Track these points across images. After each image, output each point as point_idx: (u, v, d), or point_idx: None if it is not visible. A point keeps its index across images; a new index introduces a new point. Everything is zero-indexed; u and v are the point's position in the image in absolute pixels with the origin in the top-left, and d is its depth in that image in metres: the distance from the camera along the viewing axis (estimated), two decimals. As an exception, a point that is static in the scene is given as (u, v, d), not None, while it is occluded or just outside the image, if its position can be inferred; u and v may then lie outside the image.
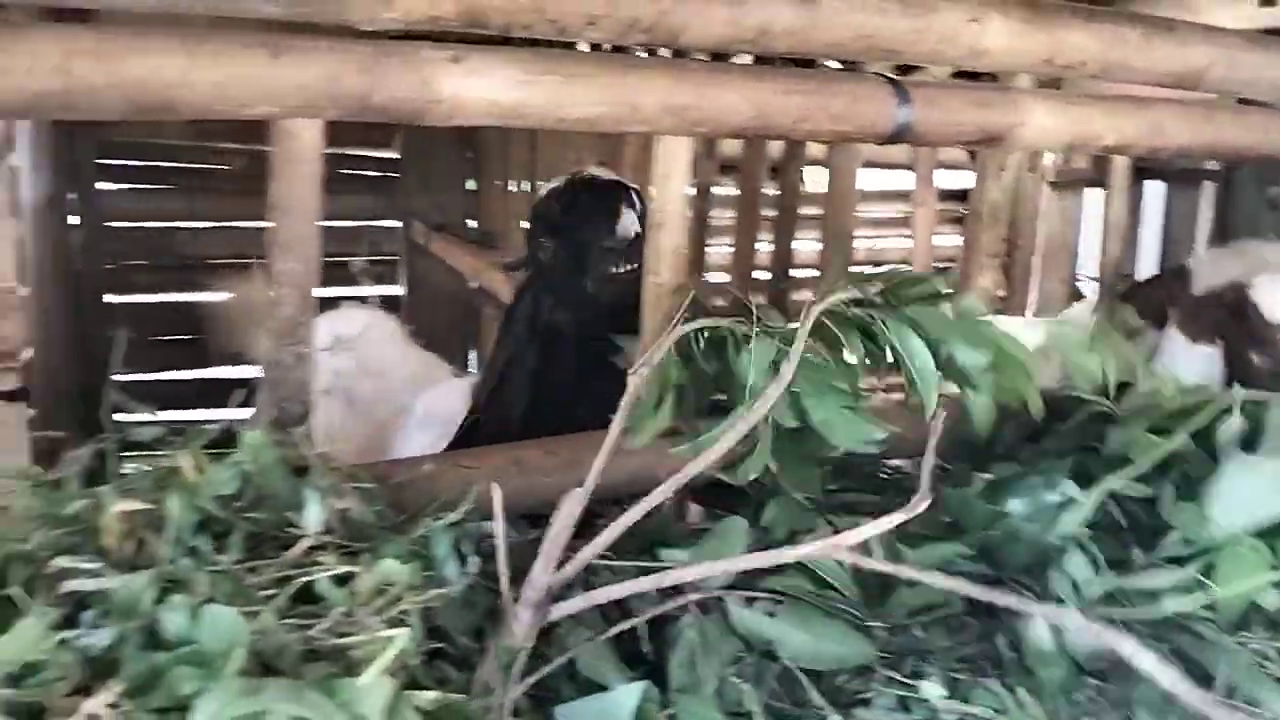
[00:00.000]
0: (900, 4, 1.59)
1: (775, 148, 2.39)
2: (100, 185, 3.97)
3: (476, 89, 1.37)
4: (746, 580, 1.23)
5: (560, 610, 1.13)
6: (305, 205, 1.38)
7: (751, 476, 1.27)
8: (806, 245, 2.93)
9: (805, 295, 2.87)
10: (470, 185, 4.75)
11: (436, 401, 2.22)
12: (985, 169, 3.86)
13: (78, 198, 3.87)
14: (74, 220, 3.84)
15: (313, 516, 1.19)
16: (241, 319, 3.03)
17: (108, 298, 4.07)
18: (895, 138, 1.71)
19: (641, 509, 1.17)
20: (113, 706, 0.83)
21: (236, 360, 2.99)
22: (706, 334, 1.33)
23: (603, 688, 1.11)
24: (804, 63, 2.05)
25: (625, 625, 1.18)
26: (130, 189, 4.15)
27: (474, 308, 4.55)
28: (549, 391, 1.90)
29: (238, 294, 3.10)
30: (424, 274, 4.58)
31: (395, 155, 4.69)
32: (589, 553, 1.15)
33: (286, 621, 0.99)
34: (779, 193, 2.43)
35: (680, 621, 1.20)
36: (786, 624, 1.17)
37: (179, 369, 4.20)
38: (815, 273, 2.60)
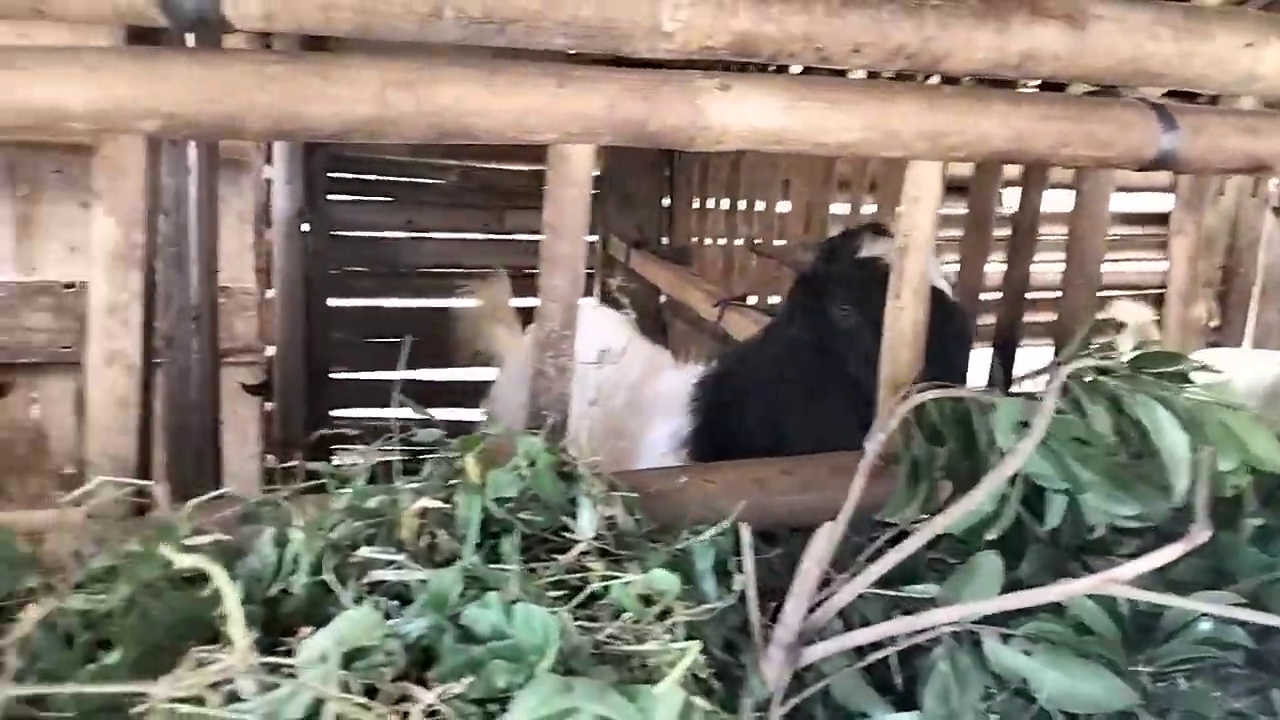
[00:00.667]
0: (1173, 29, 1.53)
1: (1009, 168, 2.33)
2: (329, 198, 4.30)
3: (742, 115, 1.40)
4: (997, 619, 1.20)
5: (815, 654, 1.11)
6: (575, 225, 1.45)
7: (996, 534, 1.24)
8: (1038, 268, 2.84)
9: (1038, 317, 2.77)
10: (665, 203, 4.84)
11: (668, 389, 2.29)
12: (1197, 193, 3.63)
13: (309, 209, 4.19)
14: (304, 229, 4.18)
15: (586, 522, 1.25)
16: (480, 322, 3.19)
17: (331, 301, 4.39)
18: (1157, 164, 1.64)
19: (896, 557, 1.17)
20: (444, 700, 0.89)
21: (476, 362, 3.15)
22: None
23: (855, 714, 1.11)
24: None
25: (878, 655, 1.17)
26: (354, 201, 4.46)
27: (663, 321, 4.64)
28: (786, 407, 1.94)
29: (478, 298, 3.26)
30: (618, 286, 4.70)
31: (596, 173, 4.85)
32: (842, 598, 1.15)
33: (579, 623, 1.04)
34: (1013, 213, 2.35)
35: (932, 653, 1.18)
36: (1042, 662, 1.13)
37: (394, 369, 4.47)
38: (1047, 294, 2.50)
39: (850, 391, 1.91)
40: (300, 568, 1.01)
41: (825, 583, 1.12)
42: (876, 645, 1.21)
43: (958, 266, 2.62)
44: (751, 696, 1.10)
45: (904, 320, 1.63)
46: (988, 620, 1.11)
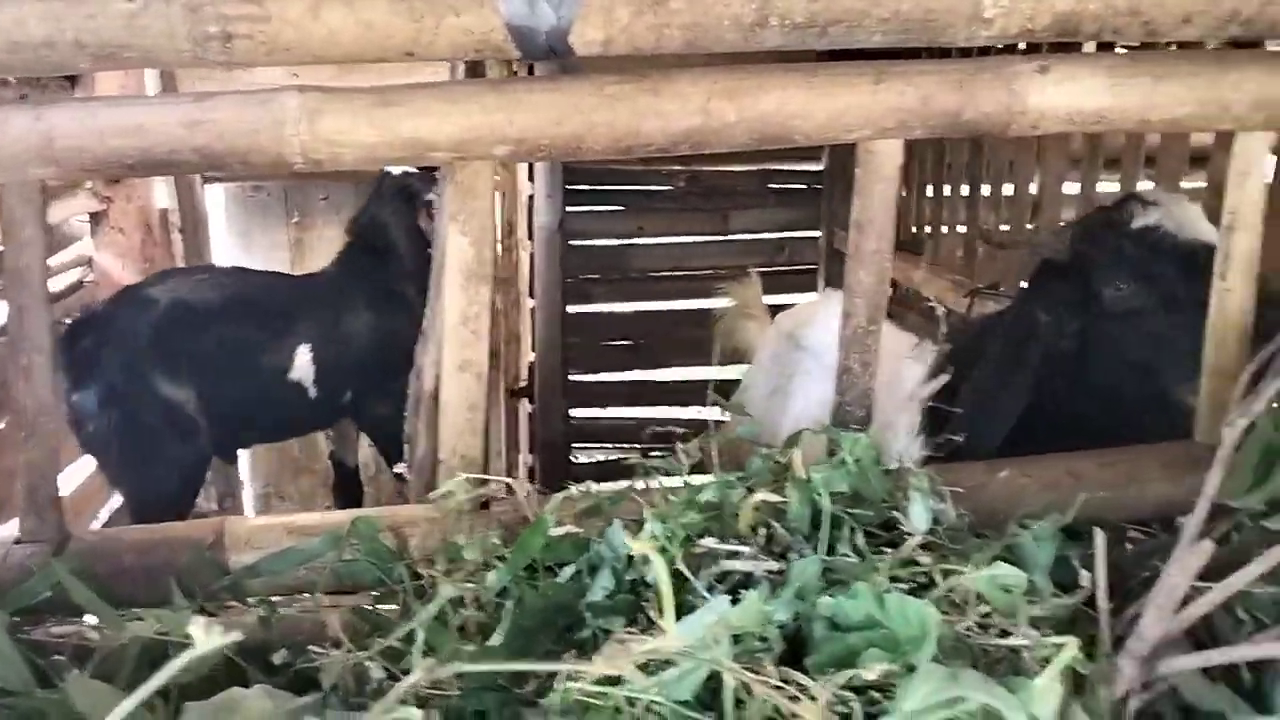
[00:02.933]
0: None
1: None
2: (568, 209, 4.49)
3: (1062, 97, 1.37)
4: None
5: (1171, 667, 1.05)
6: (883, 220, 1.46)
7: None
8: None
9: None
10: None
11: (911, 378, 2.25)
12: None
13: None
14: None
15: (919, 516, 1.26)
16: (735, 321, 3.26)
17: (569, 308, 4.59)
18: None
19: (1260, 567, 1.10)
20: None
21: (731, 360, 3.21)
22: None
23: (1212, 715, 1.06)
24: None
25: (1224, 660, 1.09)
26: (588, 211, 4.64)
27: (889, 314, 4.54)
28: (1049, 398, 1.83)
29: (732, 297, 3.32)
30: (840, 280, 4.66)
31: (819, 168, 4.82)
32: (1198, 610, 1.09)
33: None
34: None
35: None
36: None
37: (630, 370, 4.64)
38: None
39: (1128, 379, 1.76)
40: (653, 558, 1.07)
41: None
42: (1214, 639, 1.15)
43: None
44: (1104, 700, 1.06)
45: (1232, 304, 1.53)
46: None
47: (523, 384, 3.67)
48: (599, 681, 0.90)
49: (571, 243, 4.52)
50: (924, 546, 1.25)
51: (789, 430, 2.56)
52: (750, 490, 1.27)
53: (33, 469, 1.45)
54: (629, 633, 0.93)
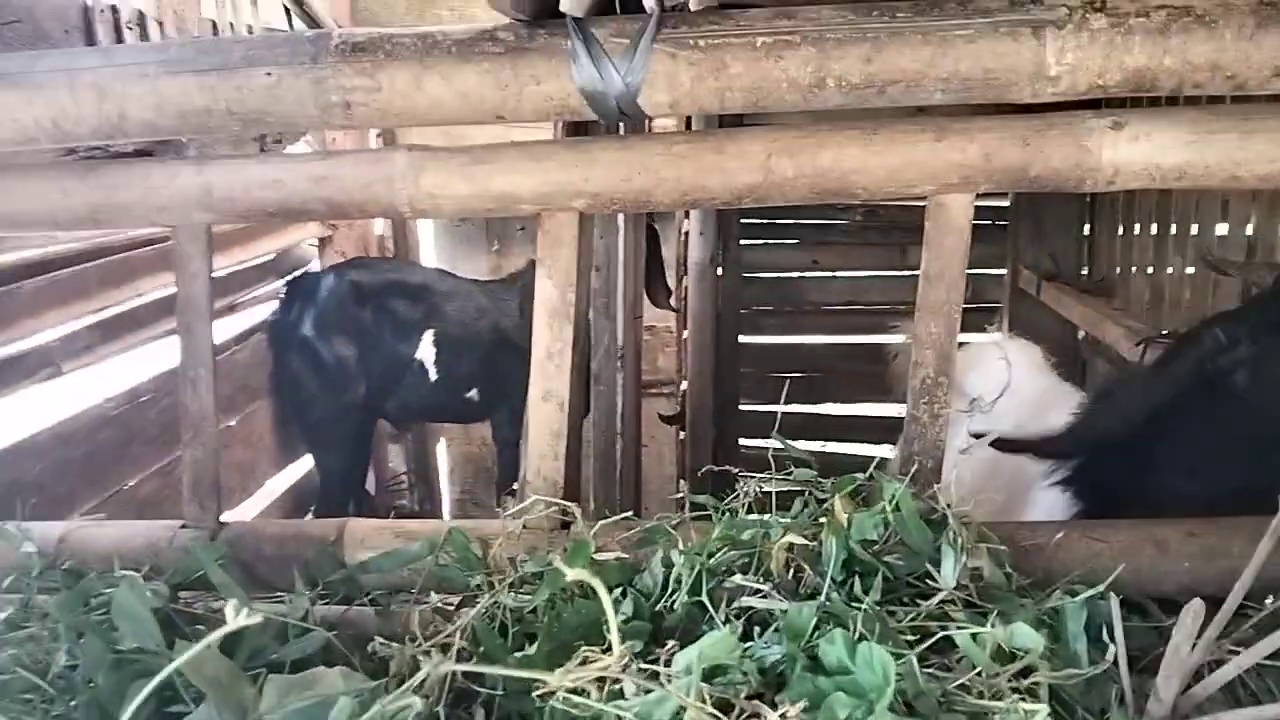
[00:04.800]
0: None
1: None
2: (743, 242, 4.60)
3: (1138, 153, 1.34)
4: None
5: None
6: (953, 272, 1.47)
7: None
8: None
9: None
10: (1085, 231, 4.51)
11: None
12: None
13: (723, 253, 4.52)
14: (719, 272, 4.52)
15: (948, 571, 1.26)
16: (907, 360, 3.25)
17: (741, 338, 4.68)
18: None
19: None
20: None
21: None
22: None
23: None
24: None
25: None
26: (763, 244, 4.72)
27: (1080, 358, 4.30)
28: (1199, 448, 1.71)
29: (911, 334, 3.30)
30: (1028, 322, 4.45)
31: (1004, 204, 4.65)
32: (1226, 674, 1.04)
33: (925, 670, 1.07)
34: None
35: None
36: None
37: (803, 403, 4.66)
38: None
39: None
40: (681, 588, 1.15)
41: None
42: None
43: None
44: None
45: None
46: None
47: (671, 413, 3.80)
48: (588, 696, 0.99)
49: (746, 275, 4.61)
50: (968, 604, 1.26)
51: (949, 481, 2.54)
52: (786, 531, 1.32)
53: (197, 465, 1.71)
54: (591, 652, 1.01)
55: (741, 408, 4.69)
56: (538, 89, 1.39)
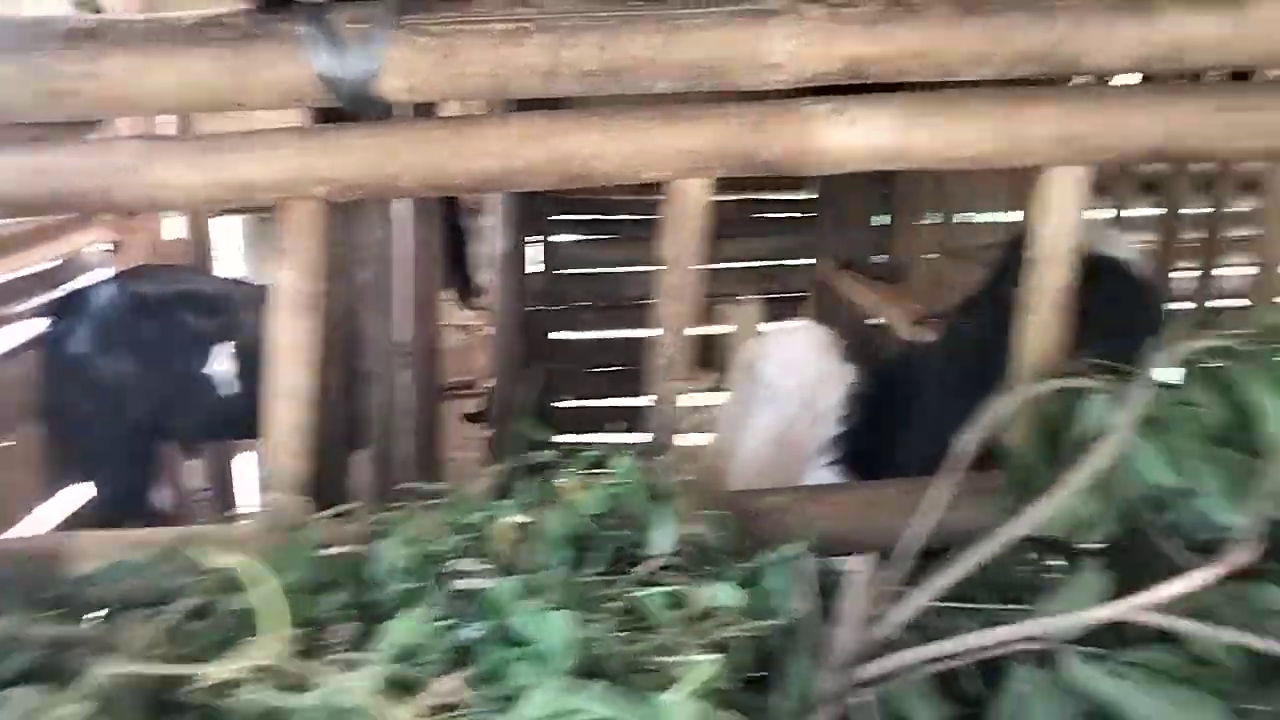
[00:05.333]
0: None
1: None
2: (555, 238, 4.59)
3: (858, 137, 1.42)
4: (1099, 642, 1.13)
5: (869, 672, 1.10)
6: (688, 256, 1.52)
7: (1094, 541, 1.17)
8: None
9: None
10: (883, 220, 4.75)
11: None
12: None
13: (543, 249, 4.51)
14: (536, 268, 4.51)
15: (661, 538, 1.30)
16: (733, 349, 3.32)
17: (554, 334, 4.68)
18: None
19: (964, 566, 1.14)
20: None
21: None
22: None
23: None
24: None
25: (947, 666, 1.12)
26: (578, 240, 4.73)
27: (870, 344, 4.53)
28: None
29: (731, 323, 3.35)
30: (829, 310, 4.66)
31: (813, 196, 4.85)
32: (899, 615, 1.13)
33: (622, 634, 1.09)
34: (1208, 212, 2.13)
35: (1011, 669, 1.11)
36: (1133, 687, 1.02)
37: (615, 397, 4.69)
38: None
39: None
40: (395, 575, 1.14)
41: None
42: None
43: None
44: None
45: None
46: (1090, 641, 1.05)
47: (475, 411, 3.78)
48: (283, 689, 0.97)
49: (558, 271, 4.62)
50: (674, 568, 1.29)
51: (742, 461, 2.61)
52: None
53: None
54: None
55: (555, 405, 4.70)
56: (273, 75, 1.35)
